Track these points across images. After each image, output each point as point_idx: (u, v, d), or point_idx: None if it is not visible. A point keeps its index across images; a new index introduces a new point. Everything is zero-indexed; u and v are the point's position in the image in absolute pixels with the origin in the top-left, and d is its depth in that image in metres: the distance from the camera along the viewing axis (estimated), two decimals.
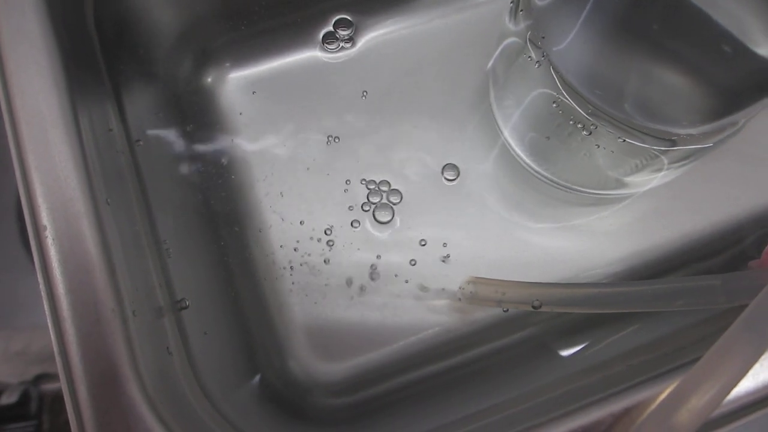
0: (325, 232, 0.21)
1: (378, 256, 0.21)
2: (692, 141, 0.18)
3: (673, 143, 0.18)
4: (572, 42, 0.17)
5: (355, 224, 0.21)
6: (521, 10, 0.19)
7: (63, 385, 0.12)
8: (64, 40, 0.14)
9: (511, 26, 0.20)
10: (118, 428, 0.11)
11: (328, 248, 0.21)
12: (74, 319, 0.12)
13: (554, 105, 0.19)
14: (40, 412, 0.31)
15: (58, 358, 0.12)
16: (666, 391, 0.11)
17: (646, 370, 0.12)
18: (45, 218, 0.12)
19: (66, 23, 0.14)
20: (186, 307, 0.15)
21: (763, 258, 0.14)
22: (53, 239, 0.12)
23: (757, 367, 0.12)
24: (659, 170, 0.21)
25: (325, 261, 0.20)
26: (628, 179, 0.22)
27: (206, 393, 0.14)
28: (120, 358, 0.11)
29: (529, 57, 0.19)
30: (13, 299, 0.39)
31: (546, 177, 0.23)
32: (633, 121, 0.18)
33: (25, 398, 0.32)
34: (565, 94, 0.18)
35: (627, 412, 0.11)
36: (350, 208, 0.22)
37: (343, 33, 0.23)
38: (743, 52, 0.14)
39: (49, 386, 0.32)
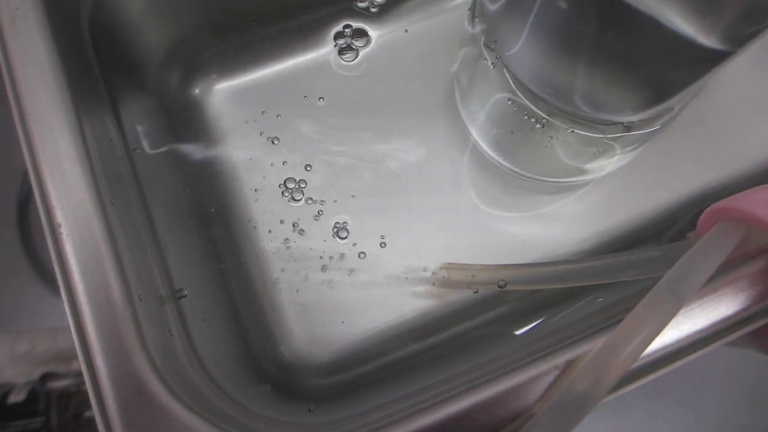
0: (311, 226, 0.23)
1: (356, 245, 0.23)
2: (636, 127, 0.20)
3: (621, 130, 0.20)
4: (522, 45, 0.19)
5: (339, 218, 0.23)
6: (476, 17, 0.20)
7: (80, 358, 0.13)
8: (66, 58, 0.16)
9: (470, 31, 0.21)
10: (130, 393, 0.13)
11: (315, 241, 0.23)
12: (88, 301, 0.13)
13: (512, 104, 0.21)
14: (47, 409, 0.33)
15: (75, 335, 0.14)
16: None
17: (587, 328, 0.14)
18: (60, 217, 0.14)
19: (66, 43, 0.16)
20: (184, 296, 0.17)
21: (698, 229, 0.16)
22: (67, 235, 0.14)
23: (679, 319, 0.14)
24: (612, 156, 0.23)
25: (310, 248, 0.22)
26: (586, 167, 0.24)
27: (205, 371, 0.16)
28: (129, 334, 0.13)
29: (485, 60, 0.21)
30: (17, 304, 0.40)
31: (512, 170, 0.25)
32: (583, 114, 0.20)
33: (32, 396, 0.33)
34: (519, 94, 0.20)
35: (569, 364, 0.13)
36: (335, 201, 0.23)
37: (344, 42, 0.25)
38: (671, 46, 0.16)
39: (54, 384, 0.34)
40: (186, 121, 0.22)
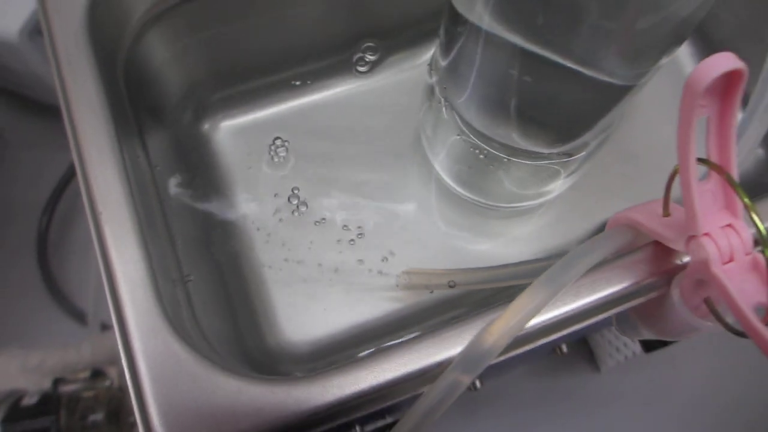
0: (304, 245, 0.27)
1: (338, 255, 0.27)
2: (573, 152, 0.24)
3: (556, 158, 0.25)
4: (467, 94, 0.23)
5: (328, 239, 0.28)
6: (432, 70, 0.25)
7: (113, 317, 0.17)
8: (107, 95, 0.20)
9: (429, 83, 0.26)
10: (157, 344, 0.17)
11: (303, 252, 0.27)
12: (122, 272, 0.18)
13: (465, 143, 0.26)
14: (57, 410, 0.36)
15: (110, 299, 0.18)
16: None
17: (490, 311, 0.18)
18: (100, 207, 0.18)
19: (107, 83, 0.21)
20: (191, 280, 0.21)
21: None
22: (105, 220, 0.18)
23: (558, 303, 0.18)
24: (557, 180, 0.27)
25: (298, 262, 0.27)
26: (533, 192, 0.28)
27: (207, 340, 0.20)
28: (153, 299, 0.17)
29: (441, 106, 0.25)
30: (33, 323, 0.44)
31: (473, 199, 0.30)
32: (524, 149, 0.24)
33: (44, 400, 0.37)
34: (469, 134, 0.25)
35: (483, 328, 0.17)
36: (322, 220, 0.28)
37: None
38: (578, 88, 0.21)
39: (65, 388, 0.37)
40: (196, 150, 0.27)
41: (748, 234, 0.16)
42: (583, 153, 0.25)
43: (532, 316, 0.17)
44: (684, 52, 0.34)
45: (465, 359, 0.16)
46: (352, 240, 0.28)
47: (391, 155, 0.30)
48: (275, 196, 0.28)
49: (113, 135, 0.20)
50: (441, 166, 0.29)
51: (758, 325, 0.15)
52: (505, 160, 0.26)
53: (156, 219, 0.20)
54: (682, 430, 0.44)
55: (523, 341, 0.18)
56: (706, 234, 0.16)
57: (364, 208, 0.29)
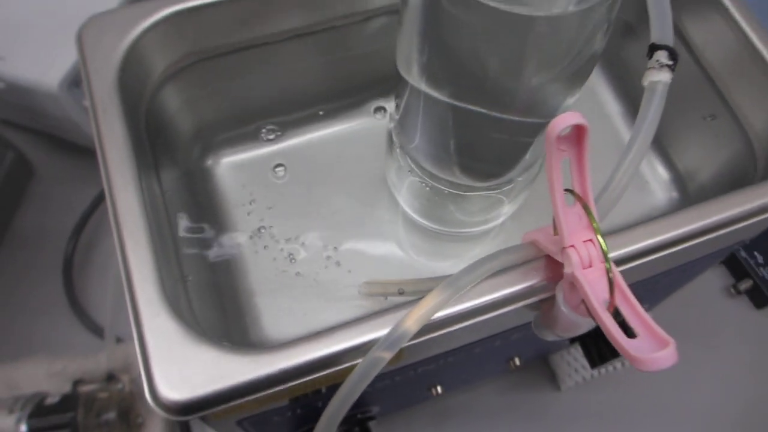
0: (288, 259, 0.33)
1: (319, 270, 0.33)
2: (510, 182, 0.30)
3: (499, 188, 0.30)
4: (417, 141, 0.29)
5: (310, 257, 0.33)
6: (391, 122, 0.31)
7: (128, 304, 0.23)
8: (131, 134, 0.26)
9: (389, 131, 0.32)
10: (160, 324, 0.22)
11: (287, 265, 0.33)
12: (136, 271, 0.23)
13: (419, 181, 0.31)
14: (76, 407, 0.41)
15: (126, 291, 0.23)
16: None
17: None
18: (121, 218, 0.24)
19: (131, 125, 0.27)
20: (189, 280, 0.27)
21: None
22: (126, 234, 0.24)
23: (465, 298, 0.23)
24: (502, 207, 0.32)
25: (283, 271, 0.32)
26: (484, 218, 0.33)
27: (200, 326, 0.25)
28: (159, 292, 0.23)
29: (397, 150, 0.31)
30: (55, 335, 0.49)
31: (432, 227, 0.35)
32: (466, 184, 0.30)
33: (65, 399, 0.42)
34: (420, 173, 0.31)
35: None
36: (302, 244, 0.34)
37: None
38: (499, 129, 0.26)
39: (83, 389, 0.42)
40: (200, 180, 0.33)
41: (605, 248, 0.21)
42: (521, 179, 0.31)
43: (440, 307, 0.22)
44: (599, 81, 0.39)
45: (386, 339, 0.22)
46: (329, 257, 0.33)
47: (366, 191, 0.36)
48: (262, 220, 0.34)
49: (135, 167, 0.25)
50: (404, 200, 0.34)
51: (604, 315, 0.21)
52: (453, 193, 0.31)
53: (164, 231, 0.26)
54: None
55: (437, 327, 0.23)
56: (571, 246, 0.22)
57: (341, 233, 0.35)
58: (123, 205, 0.24)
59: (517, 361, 0.40)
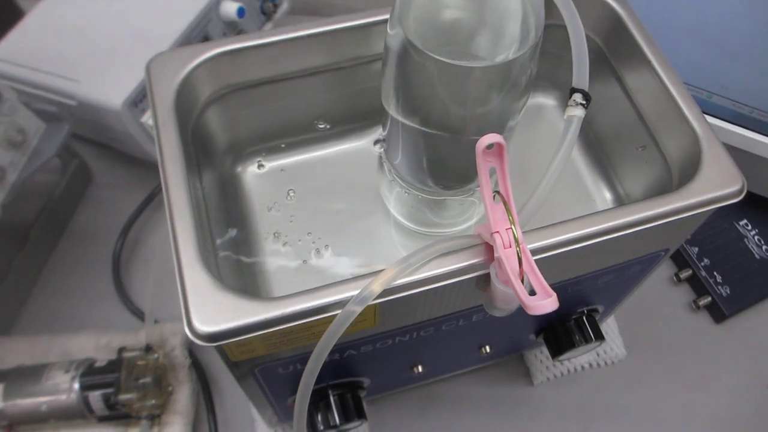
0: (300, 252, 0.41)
1: (321, 265, 0.41)
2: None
3: (468, 193, 0.38)
4: (399, 158, 0.37)
5: (314, 247, 0.42)
6: (377, 142, 0.40)
7: (175, 263, 0.31)
8: (182, 145, 0.35)
9: (380, 151, 0.40)
10: (196, 276, 0.30)
11: (298, 255, 0.41)
12: (182, 241, 0.31)
13: (404, 191, 0.40)
14: (120, 370, 0.50)
15: (174, 254, 0.32)
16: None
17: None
18: (174, 206, 0.32)
19: (182, 138, 0.35)
20: (219, 253, 0.35)
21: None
22: (176, 217, 0.32)
23: (420, 271, 0.31)
24: (475, 207, 0.40)
25: (292, 259, 0.41)
26: (462, 219, 0.41)
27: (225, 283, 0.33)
28: (197, 256, 0.31)
29: (386, 165, 0.39)
30: (104, 316, 0.57)
31: (417, 229, 0.43)
32: (439, 191, 0.38)
33: (110, 363, 0.50)
34: (404, 184, 0.39)
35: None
36: (313, 243, 0.42)
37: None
38: (466, 146, 0.34)
39: (126, 354, 0.50)
40: (230, 183, 0.42)
41: (519, 233, 0.29)
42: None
43: (399, 275, 0.30)
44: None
45: (357, 297, 0.29)
46: (332, 251, 0.42)
47: (365, 200, 0.44)
48: (276, 220, 0.42)
49: (184, 169, 0.33)
50: (393, 208, 0.42)
51: (515, 281, 0.28)
52: (431, 199, 0.39)
53: (203, 217, 0.34)
54: None
55: (399, 289, 0.31)
56: (496, 232, 0.29)
57: (343, 232, 0.43)
58: (175, 195, 0.33)
59: (488, 349, 0.47)
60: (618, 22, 0.40)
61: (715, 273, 0.60)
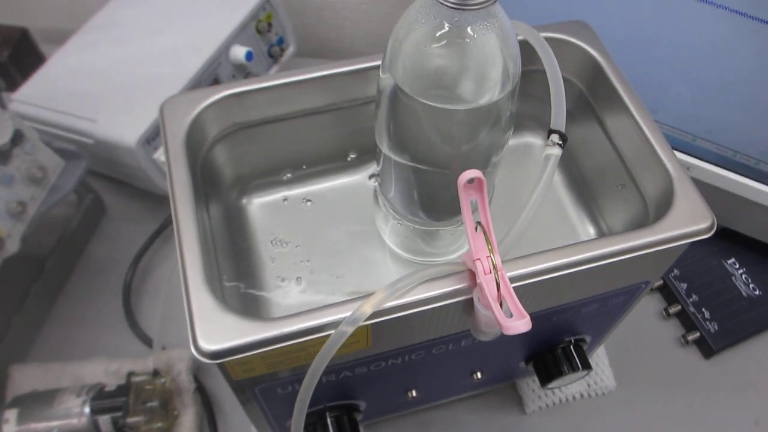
0: (297, 276, 0.44)
1: (319, 288, 0.44)
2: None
3: (455, 224, 0.41)
4: (392, 192, 0.40)
5: (309, 274, 0.44)
6: (372, 176, 0.42)
7: (182, 285, 0.34)
8: (191, 178, 0.38)
9: (375, 185, 0.43)
10: (202, 301, 0.33)
11: (298, 281, 0.43)
12: (190, 269, 0.34)
13: (397, 223, 0.42)
14: (128, 394, 0.52)
15: (182, 280, 0.34)
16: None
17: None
18: (182, 232, 0.35)
19: (191, 172, 0.38)
20: (225, 280, 0.38)
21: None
22: (185, 246, 0.35)
23: (408, 294, 0.33)
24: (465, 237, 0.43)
25: (293, 283, 0.43)
26: (454, 248, 0.44)
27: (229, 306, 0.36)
28: (204, 283, 0.34)
29: (380, 198, 0.42)
30: (114, 343, 0.60)
31: (413, 258, 0.45)
32: (430, 222, 0.41)
33: (120, 388, 0.52)
34: (397, 216, 0.42)
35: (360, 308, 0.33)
36: (309, 265, 0.45)
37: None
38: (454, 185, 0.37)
39: (134, 379, 0.53)
40: (236, 215, 0.45)
41: (498, 260, 0.32)
42: None
43: (389, 298, 0.32)
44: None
45: (349, 318, 0.32)
46: (332, 275, 0.44)
47: (362, 231, 0.47)
48: (279, 248, 0.45)
49: (192, 200, 0.36)
50: (388, 238, 0.45)
51: (494, 304, 0.31)
52: (423, 230, 0.42)
53: (209, 245, 0.37)
54: None
55: (389, 312, 0.33)
56: (477, 259, 0.32)
57: (341, 260, 0.46)
58: (184, 225, 0.35)
59: (480, 375, 0.49)
60: (598, 69, 0.44)
61: (703, 309, 0.62)
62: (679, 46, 0.53)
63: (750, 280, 0.63)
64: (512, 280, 0.33)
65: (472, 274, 0.34)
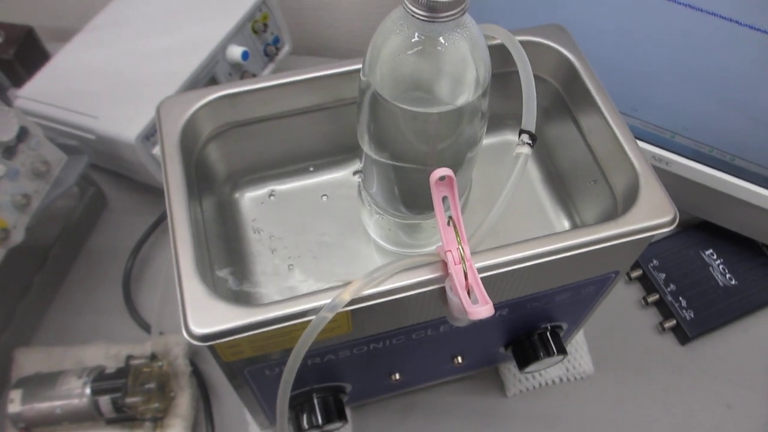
0: (288, 266, 0.47)
1: (312, 275, 0.46)
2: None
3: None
4: (374, 187, 0.42)
5: (297, 263, 0.47)
6: (356, 173, 0.45)
7: (175, 274, 0.36)
8: (185, 174, 0.40)
9: (359, 181, 0.46)
10: (193, 289, 0.36)
11: (288, 270, 0.46)
12: (183, 259, 0.37)
13: (380, 217, 0.45)
14: (127, 376, 0.55)
15: (175, 270, 0.37)
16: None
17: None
18: (176, 225, 0.38)
19: (186, 168, 0.41)
20: (215, 269, 0.40)
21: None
22: (178, 238, 0.38)
23: (385, 283, 0.36)
24: None
25: (281, 274, 0.46)
26: (435, 239, 0.46)
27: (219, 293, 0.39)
28: (196, 272, 0.36)
29: (364, 194, 0.45)
30: (114, 329, 0.62)
31: (397, 250, 0.48)
32: (415, 216, 0.43)
33: (119, 370, 0.55)
34: (380, 211, 0.44)
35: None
36: (299, 256, 0.47)
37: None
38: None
39: (133, 362, 0.55)
40: (229, 208, 0.48)
41: (467, 251, 0.34)
42: None
43: (366, 287, 0.34)
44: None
45: (329, 304, 0.34)
46: (322, 269, 0.47)
47: (348, 224, 0.49)
48: (269, 240, 0.48)
49: (186, 195, 0.38)
50: (373, 231, 0.48)
51: (462, 293, 0.33)
52: (405, 223, 0.45)
53: (201, 237, 0.40)
54: None
55: (366, 299, 0.36)
56: (448, 250, 0.35)
57: (327, 252, 0.48)
58: (177, 218, 0.38)
59: (460, 360, 0.52)
60: (573, 71, 0.46)
61: (680, 298, 0.64)
62: (658, 47, 0.55)
63: (727, 271, 0.66)
64: (484, 269, 0.36)
65: (445, 265, 0.36)
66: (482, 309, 0.31)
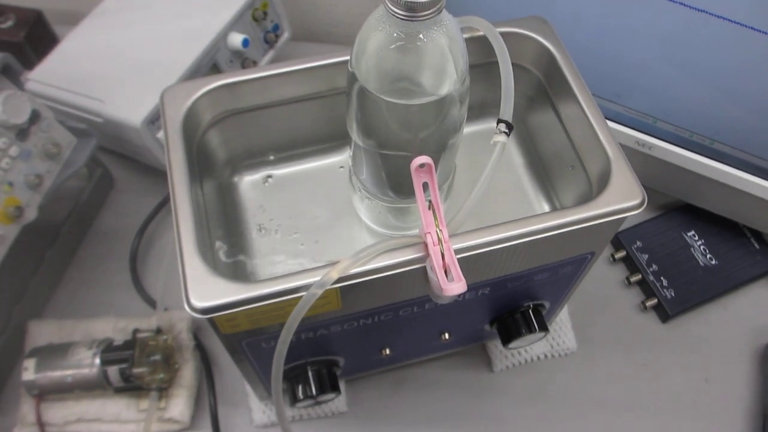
0: (281, 247, 0.50)
1: (306, 256, 0.49)
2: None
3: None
4: (364, 173, 0.45)
5: (294, 241, 0.50)
6: (349, 158, 0.48)
7: (177, 252, 0.39)
8: (187, 158, 0.43)
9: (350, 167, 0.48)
10: (195, 266, 0.39)
11: (284, 250, 0.49)
12: (185, 238, 0.40)
13: (370, 201, 0.48)
14: (134, 348, 0.58)
15: (177, 243, 0.40)
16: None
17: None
18: (178, 205, 0.41)
19: (188, 152, 0.43)
20: (215, 247, 0.43)
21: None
22: (180, 218, 0.40)
23: (370, 263, 0.39)
24: None
25: (278, 253, 0.49)
26: (417, 223, 0.49)
27: (219, 272, 0.42)
28: (197, 250, 0.39)
29: (354, 180, 0.48)
30: (122, 304, 0.65)
31: (386, 232, 0.51)
32: (402, 200, 0.46)
33: (126, 342, 0.58)
34: (369, 195, 0.47)
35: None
36: (296, 233, 0.50)
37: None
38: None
39: (140, 335, 0.59)
40: (228, 190, 0.51)
41: (445, 233, 0.37)
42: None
43: (353, 266, 0.37)
44: (509, 141, 0.55)
45: (319, 282, 0.37)
46: (316, 250, 0.50)
47: (341, 207, 0.52)
48: (266, 221, 0.51)
49: (188, 179, 0.41)
50: (363, 215, 0.50)
51: (439, 272, 0.36)
52: (393, 207, 0.48)
53: (202, 216, 0.43)
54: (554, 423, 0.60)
55: (354, 276, 0.39)
56: (428, 233, 0.38)
57: (321, 234, 0.51)
58: (180, 199, 0.41)
59: (447, 336, 0.55)
60: (553, 61, 0.48)
61: (662, 278, 0.67)
62: (642, 38, 0.57)
63: (707, 251, 0.69)
64: (463, 250, 0.39)
65: (426, 246, 0.39)
66: (456, 286, 0.34)
